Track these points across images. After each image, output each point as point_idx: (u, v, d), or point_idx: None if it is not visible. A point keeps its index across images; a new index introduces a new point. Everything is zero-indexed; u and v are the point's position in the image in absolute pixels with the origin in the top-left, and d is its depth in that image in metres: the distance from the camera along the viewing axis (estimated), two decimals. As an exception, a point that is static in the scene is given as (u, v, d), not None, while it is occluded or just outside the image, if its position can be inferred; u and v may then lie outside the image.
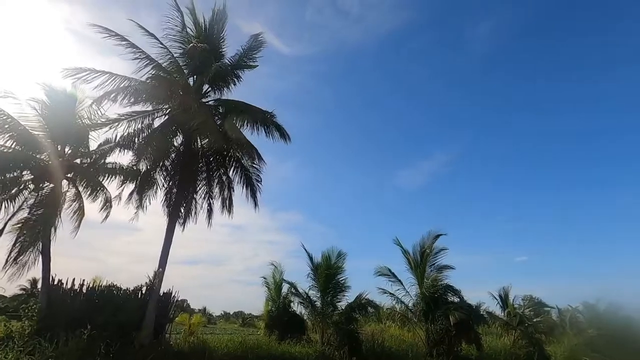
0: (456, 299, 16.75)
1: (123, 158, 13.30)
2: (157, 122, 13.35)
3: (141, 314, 11.58)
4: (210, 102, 14.23)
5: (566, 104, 79.51)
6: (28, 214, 11.72)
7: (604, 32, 69.15)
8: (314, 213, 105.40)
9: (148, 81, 12.51)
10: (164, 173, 14.14)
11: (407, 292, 17.25)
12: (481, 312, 21.27)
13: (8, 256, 11.17)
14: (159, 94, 12.74)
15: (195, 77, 13.64)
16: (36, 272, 11.70)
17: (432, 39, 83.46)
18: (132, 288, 12.59)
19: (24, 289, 41.11)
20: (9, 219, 11.61)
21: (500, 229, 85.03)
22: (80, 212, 13.24)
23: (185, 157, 13.55)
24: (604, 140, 74.55)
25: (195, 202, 14.42)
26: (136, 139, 12.99)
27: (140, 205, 13.97)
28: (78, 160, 12.94)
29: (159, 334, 12.21)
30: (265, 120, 13.60)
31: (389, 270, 17.74)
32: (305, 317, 17.95)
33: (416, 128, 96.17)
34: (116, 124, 12.39)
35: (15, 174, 11.74)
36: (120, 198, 13.77)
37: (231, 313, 77.89)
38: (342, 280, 16.81)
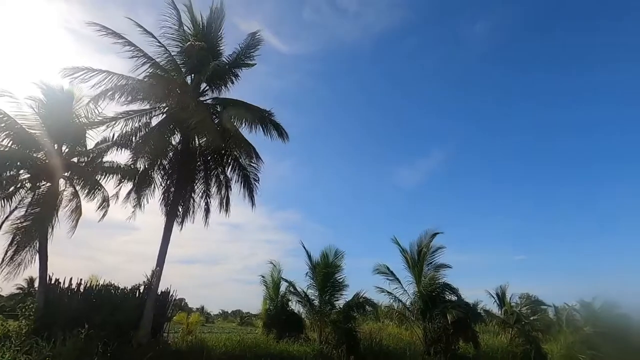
0: (454, 298, 16.83)
1: (120, 157, 13.30)
2: (154, 121, 13.34)
3: (139, 313, 11.57)
4: (208, 101, 14.20)
5: (565, 99, 79.89)
6: (25, 213, 11.68)
7: (604, 27, 69.41)
8: (312, 212, 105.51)
9: (145, 79, 12.48)
10: (162, 172, 14.13)
11: (404, 290, 17.32)
12: (478, 311, 21.36)
13: (4, 255, 11.15)
14: (157, 92, 12.70)
15: (193, 75, 13.61)
16: (33, 271, 11.69)
17: (429, 36, 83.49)
18: (129, 287, 12.60)
19: (20, 288, 41.00)
20: (6, 218, 11.58)
21: (498, 228, 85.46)
22: (77, 211, 13.20)
23: (183, 156, 13.52)
24: (603, 134, 74.88)
25: (193, 201, 14.42)
26: (134, 138, 12.95)
27: (138, 204, 13.96)
28: (75, 159, 12.89)
29: (157, 333, 12.22)
30: (263, 119, 13.60)
31: (387, 268, 17.80)
32: (303, 316, 17.95)
33: (414, 126, 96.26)
34: (113, 122, 12.35)
35: (12, 172, 11.70)
36: (117, 197, 13.75)
37: (229, 312, 78.04)
38: (340, 278, 16.83)
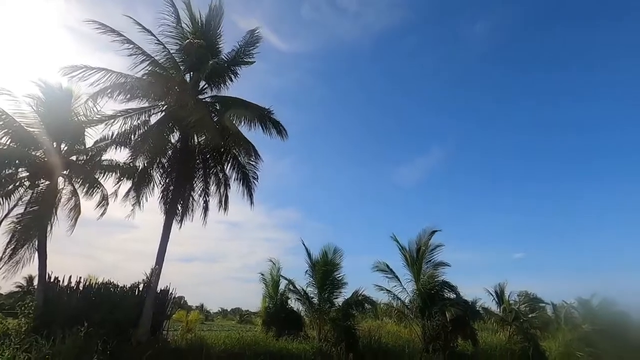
0: (452, 295, 16.85)
1: (119, 155, 13.26)
2: (153, 119, 13.29)
3: (138, 311, 11.57)
4: (207, 99, 14.18)
5: (564, 95, 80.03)
6: (24, 211, 11.67)
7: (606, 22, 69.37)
8: (311, 210, 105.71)
9: (144, 77, 12.45)
10: (161, 170, 14.09)
11: (403, 288, 17.33)
12: (477, 308, 21.39)
13: (3, 253, 11.13)
14: (156, 90, 12.68)
15: (191, 73, 13.58)
16: (32, 269, 11.70)
17: (429, 35, 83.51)
18: (129, 285, 12.60)
19: (20, 287, 41.03)
20: (5, 216, 11.55)
21: (497, 226, 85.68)
22: (76, 210, 13.18)
23: (182, 154, 13.50)
24: (603, 132, 75.05)
25: (193, 199, 14.39)
26: (132, 136, 12.90)
27: (137, 202, 13.92)
28: (74, 157, 12.87)
29: (157, 331, 12.23)
30: (262, 117, 13.57)
31: (387, 266, 17.81)
32: (302, 314, 17.97)
33: (414, 124, 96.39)
34: (112, 120, 12.30)
35: (11, 170, 11.69)
36: (116, 195, 13.70)
37: (228, 310, 78.24)
38: (339, 276, 16.87)
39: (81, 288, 11.70)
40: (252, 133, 13.61)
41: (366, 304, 17.43)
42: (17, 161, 11.68)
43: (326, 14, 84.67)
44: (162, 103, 13.36)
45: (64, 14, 72.88)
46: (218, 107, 14.05)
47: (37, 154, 12.01)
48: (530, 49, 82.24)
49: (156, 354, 10.40)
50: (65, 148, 12.61)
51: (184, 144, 13.54)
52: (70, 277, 11.70)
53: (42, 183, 12.13)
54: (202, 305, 69.58)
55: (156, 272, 12.29)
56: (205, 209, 14.46)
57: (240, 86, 14.79)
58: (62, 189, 12.78)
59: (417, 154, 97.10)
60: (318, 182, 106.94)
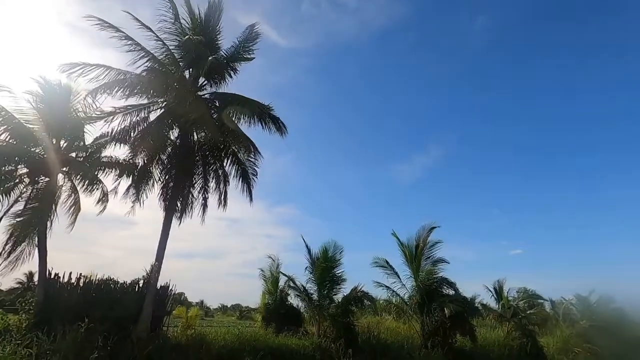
0: (451, 292, 16.94)
1: (119, 152, 13.27)
2: (153, 116, 13.28)
3: (138, 308, 11.61)
4: (206, 96, 14.14)
5: (563, 89, 79.96)
6: (23, 208, 11.68)
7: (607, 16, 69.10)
8: (311, 207, 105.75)
9: (143, 74, 12.39)
10: (161, 167, 14.08)
11: (403, 284, 17.43)
12: (476, 305, 21.49)
13: (2, 249, 11.15)
14: (155, 87, 12.63)
15: (191, 70, 13.54)
16: (32, 265, 11.72)
17: (429, 31, 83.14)
18: (129, 282, 12.61)
19: (20, 283, 41.18)
20: (5, 213, 11.57)
21: (496, 223, 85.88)
22: (76, 206, 13.19)
23: (181, 151, 13.49)
24: (606, 126, 75.07)
25: (192, 195, 14.40)
26: (132, 133, 12.89)
27: (137, 199, 13.94)
28: (74, 154, 12.86)
29: (157, 327, 12.25)
30: (261, 113, 13.53)
31: (386, 262, 17.89)
32: (302, 310, 18.06)
33: (414, 119, 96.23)
34: (111, 117, 12.27)
35: (10, 167, 11.68)
36: (116, 192, 13.71)
37: (228, 306, 78.50)
38: (339, 273, 16.90)
39: (81, 284, 11.71)
40: (252, 130, 13.62)
41: (365, 300, 17.50)
42: (16, 158, 11.67)
43: (326, 10, 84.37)
44: (162, 100, 13.32)
45: (61, 10, 72.54)
46: (217, 104, 14.02)
47: (37, 151, 12.00)
48: (530, 43, 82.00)
49: (156, 350, 10.46)
50: (65, 145, 12.61)
51: (183, 140, 13.53)
52: (70, 273, 11.73)
53: (41, 180, 12.14)
54: (202, 302, 69.95)
55: (156, 269, 12.32)
56: (204, 206, 14.48)
57: (240, 82, 14.79)
58: (62, 185, 12.78)
59: (417, 150, 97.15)
60: (317, 178, 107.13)
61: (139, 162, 13.48)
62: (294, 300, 18.20)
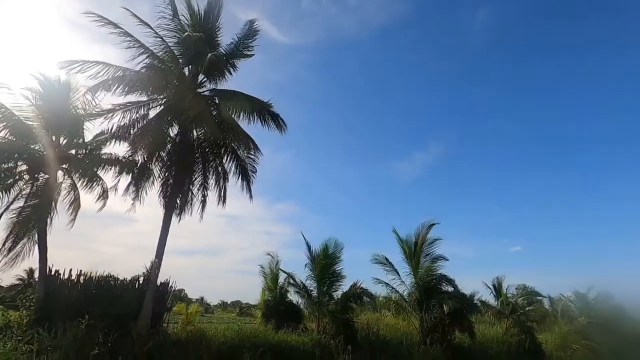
0: (450, 289, 17.01)
1: (119, 149, 13.24)
2: (152, 113, 13.23)
3: (139, 304, 11.64)
4: (205, 92, 14.10)
5: (563, 84, 79.86)
6: (23, 205, 11.70)
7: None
8: (310, 204, 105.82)
9: (142, 71, 12.37)
10: (160, 164, 14.05)
11: (402, 281, 17.48)
12: (475, 302, 21.57)
13: (2, 246, 11.18)
14: (154, 83, 12.60)
15: (190, 66, 13.49)
16: (32, 262, 11.75)
17: (430, 28, 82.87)
18: (129, 278, 12.66)
19: (21, 279, 41.20)
20: (5, 210, 11.59)
21: (496, 220, 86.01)
22: (76, 203, 13.20)
23: (181, 148, 13.47)
24: (607, 120, 75.05)
25: (192, 192, 14.40)
26: (131, 130, 12.87)
27: (136, 196, 13.93)
28: (73, 151, 12.86)
29: (157, 323, 12.30)
30: (261, 110, 13.48)
31: (386, 259, 17.92)
32: (301, 307, 18.12)
33: (414, 116, 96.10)
34: (111, 114, 12.24)
35: (10, 164, 11.68)
36: (116, 189, 13.70)
37: (228, 302, 78.72)
38: (338, 270, 16.94)
39: (81, 281, 11.74)
40: (252, 127, 13.58)
41: (365, 297, 17.55)
42: (16, 155, 11.67)
43: (326, 7, 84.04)
44: (161, 96, 13.29)
45: (61, 6, 72.21)
46: (217, 101, 13.98)
47: (36, 148, 12.01)
48: (531, 40, 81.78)
49: (156, 347, 10.51)
50: (64, 142, 12.60)
51: (183, 137, 13.51)
52: (70, 270, 11.75)
53: (41, 177, 12.15)
54: (202, 298, 70.08)
55: (156, 265, 12.34)
56: (203, 203, 14.47)
57: (240, 79, 14.73)
58: (62, 182, 12.78)
59: (417, 147, 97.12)
60: (317, 175, 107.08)
61: (138, 159, 13.47)
62: (293, 296, 18.30)
